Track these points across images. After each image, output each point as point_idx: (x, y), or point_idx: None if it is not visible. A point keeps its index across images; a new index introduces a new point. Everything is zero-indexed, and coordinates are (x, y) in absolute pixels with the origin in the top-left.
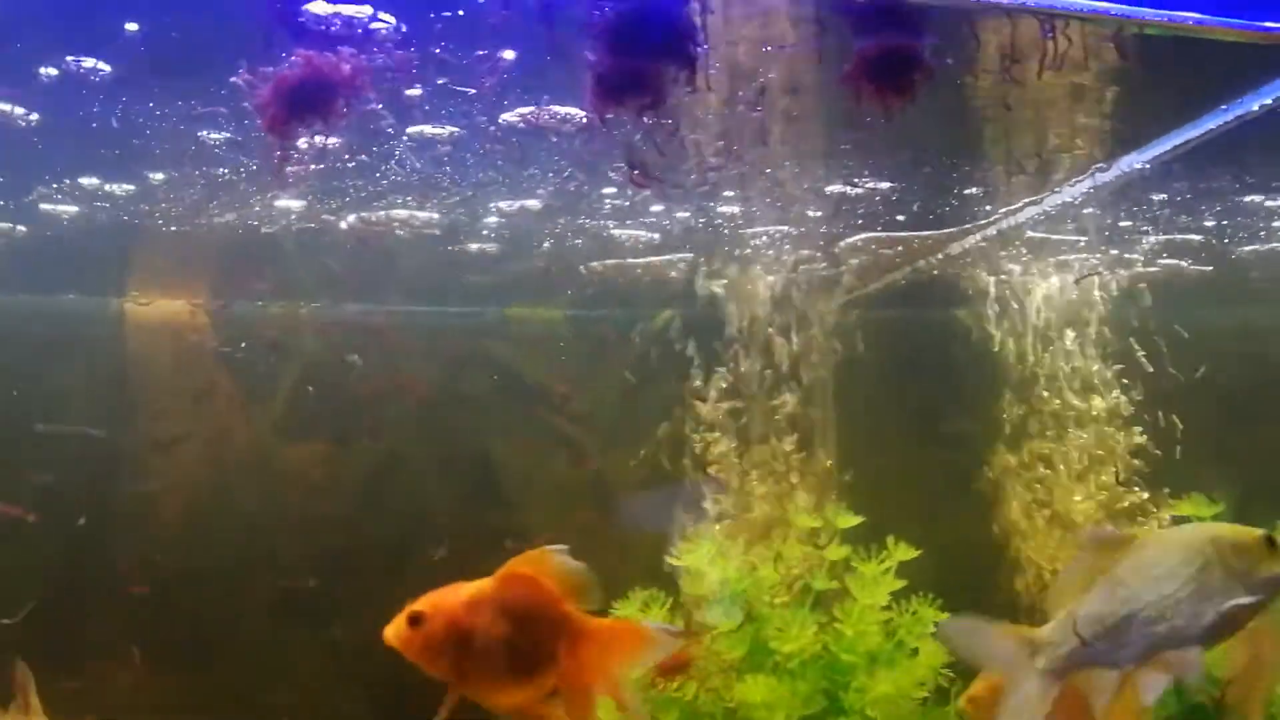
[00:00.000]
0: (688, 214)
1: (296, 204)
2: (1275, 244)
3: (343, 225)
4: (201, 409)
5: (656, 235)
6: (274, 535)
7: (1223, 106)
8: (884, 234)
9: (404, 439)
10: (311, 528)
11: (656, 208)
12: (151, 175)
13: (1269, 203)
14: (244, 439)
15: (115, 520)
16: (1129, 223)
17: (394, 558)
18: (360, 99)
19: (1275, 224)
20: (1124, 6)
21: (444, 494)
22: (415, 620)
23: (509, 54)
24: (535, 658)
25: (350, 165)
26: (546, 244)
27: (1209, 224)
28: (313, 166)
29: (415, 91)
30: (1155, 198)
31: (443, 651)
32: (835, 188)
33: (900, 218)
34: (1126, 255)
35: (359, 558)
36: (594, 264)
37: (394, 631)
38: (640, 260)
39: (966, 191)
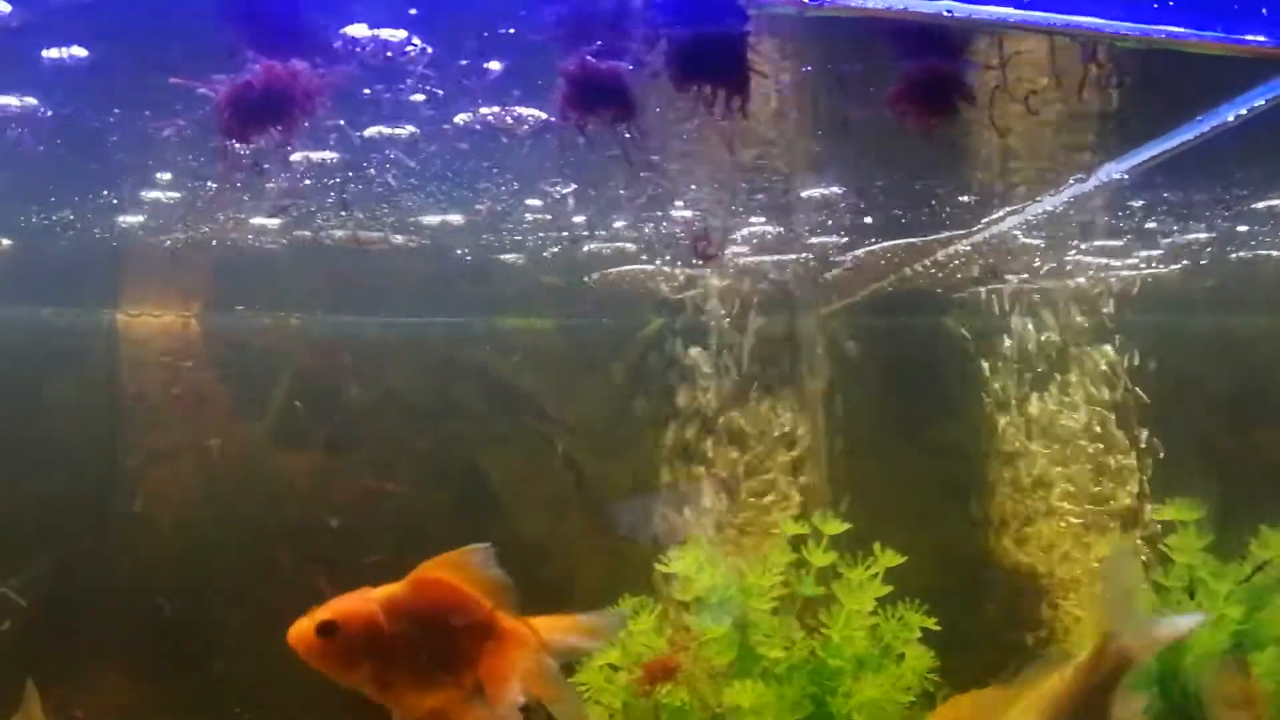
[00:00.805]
0: (668, 223)
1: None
2: (1255, 252)
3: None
4: (195, 420)
5: (635, 244)
6: (270, 544)
7: (1199, 118)
8: (872, 243)
9: (394, 449)
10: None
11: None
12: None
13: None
14: (237, 449)
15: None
16: (1112, 231)
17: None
18: (320, 108)
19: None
20: (1099, 20)
21: (435, 503)
22: (327, 630)
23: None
24: (455, 660)
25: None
26: (534, 251)
27: (1190, 234)
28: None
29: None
30: (1135, 205)
31: (360, 660)
32: (819, 193)
33: (887, 225)
34: (1113, 261)
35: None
36: (607, 273)
37: (302, 642)
38: (641, 268)
39: (958, 199)
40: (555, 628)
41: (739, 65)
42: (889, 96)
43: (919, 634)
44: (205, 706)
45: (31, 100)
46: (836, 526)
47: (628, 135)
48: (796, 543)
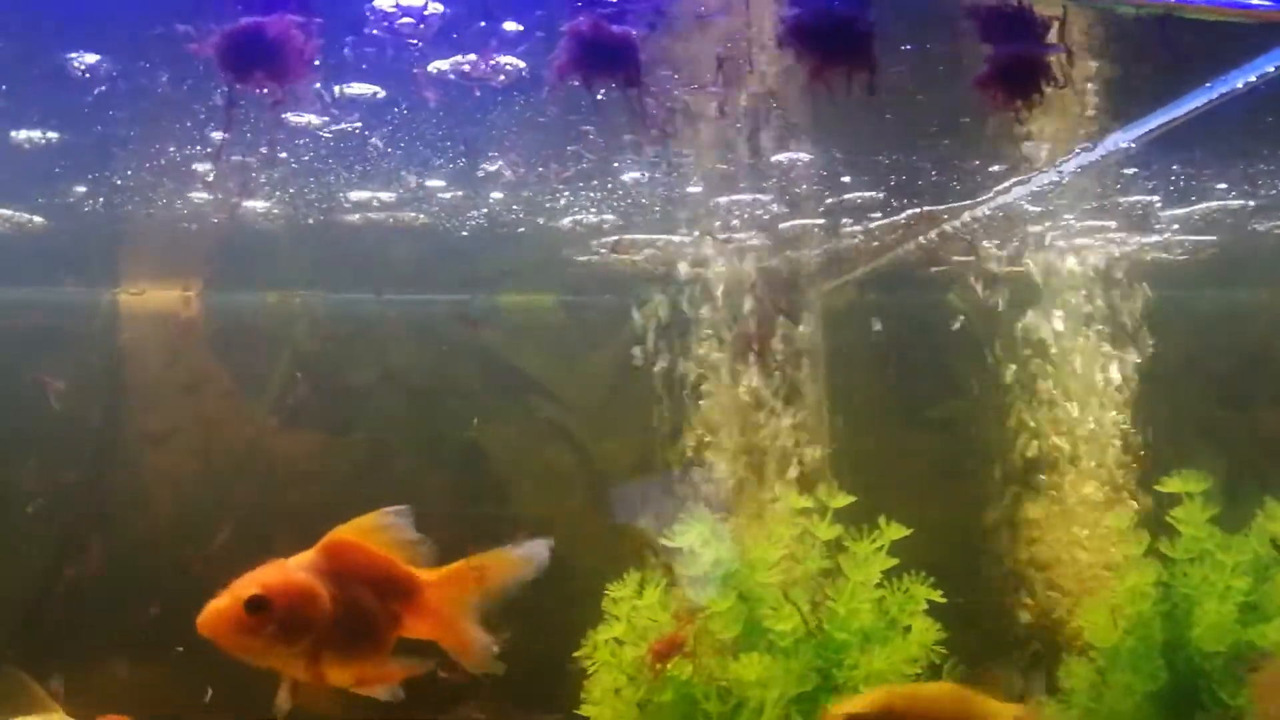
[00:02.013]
0: (673, 196)
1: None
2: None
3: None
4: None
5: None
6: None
7: (1206, 84)
8: (876, 218)
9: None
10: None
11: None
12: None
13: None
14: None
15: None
16: (1119, 202)
17: None
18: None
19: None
20: None
21: (434, 482)
22: (257, 605)
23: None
24: (376, 624)
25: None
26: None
27: (1197, 205)
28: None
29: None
30: (1143, 178)
31: (295, 636)
32: (825, 168)
33: (894, 202)
34: (1122, 236)
35: None
36: (614, 241)
37: (228, 621)
38: (651, 237)
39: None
40: (477, 570)
41: (867, 45)
42: (976, 80)
43: (925, 606)
44: (205, 687)
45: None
46: (842, 500)
47: (640, 101)
48: (801, 517)
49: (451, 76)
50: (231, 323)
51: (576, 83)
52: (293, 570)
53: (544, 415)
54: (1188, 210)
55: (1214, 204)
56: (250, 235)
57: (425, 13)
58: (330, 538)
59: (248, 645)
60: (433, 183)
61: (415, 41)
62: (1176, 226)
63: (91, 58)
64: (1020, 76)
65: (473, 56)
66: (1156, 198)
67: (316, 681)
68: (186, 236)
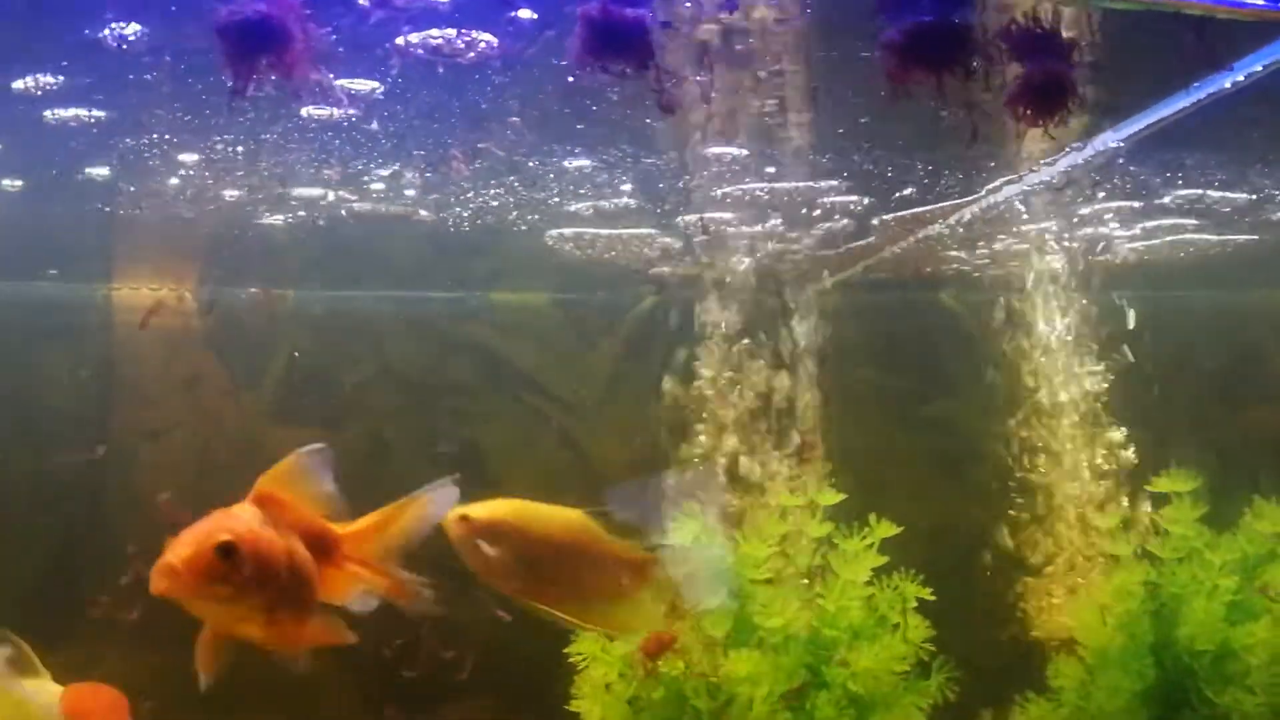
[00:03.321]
0: (664, 192)
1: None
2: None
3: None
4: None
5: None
6: None
7: (1196, 84)
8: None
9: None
10: None
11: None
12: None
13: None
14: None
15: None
16: (1109, 202)
17: None
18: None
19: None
20: None
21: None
22: (228, 551)
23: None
24: (311, 581)
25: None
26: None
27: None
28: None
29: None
30: (1135, 176)
31: (258, 587)
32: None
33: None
34: (1112, 233)
35: None
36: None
37: (197, 569)
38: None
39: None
40: (388, 520)
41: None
42: (1007, 97)
43: (914, 604)
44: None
45: None
46: (832, 498)
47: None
48: (793, 514)
49: (420, 52)
50: (225, 319)
51: (593, 69)
52: (248, 519)
53: (540, 412)
54: (1177, 211)
55: (1204, 203)
56: (241, 231)
57: None
58: (259, 489)
59: (215, 595)
60: (416, 175)
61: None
62: (1168, 225)
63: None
64: (1049, 95)
65: (451, 31)
66: (1141, 200)
67: (272, 641)
68: (182, 231)
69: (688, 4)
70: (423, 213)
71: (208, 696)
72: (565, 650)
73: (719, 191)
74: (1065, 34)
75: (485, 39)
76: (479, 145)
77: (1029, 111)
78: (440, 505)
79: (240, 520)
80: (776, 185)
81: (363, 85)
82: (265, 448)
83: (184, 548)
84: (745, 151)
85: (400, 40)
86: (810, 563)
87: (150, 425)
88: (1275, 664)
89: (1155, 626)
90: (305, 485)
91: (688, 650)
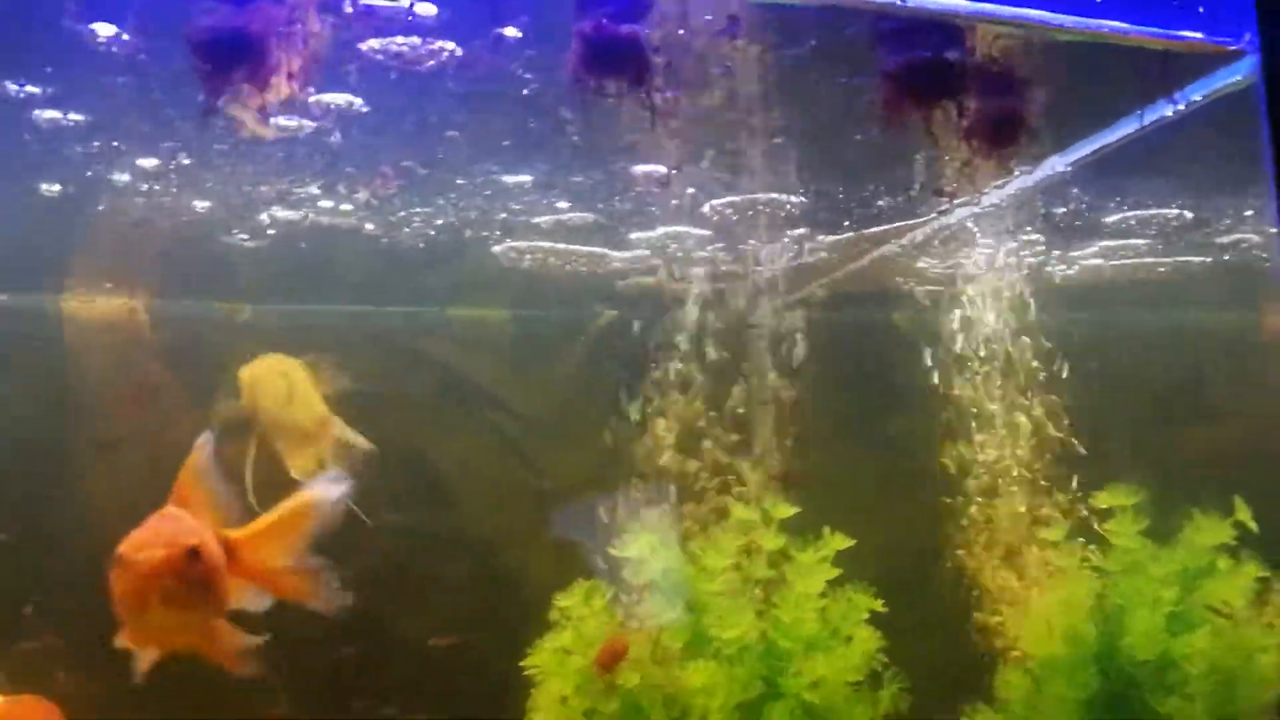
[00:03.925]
0: (626, 210)
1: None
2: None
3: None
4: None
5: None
6: None
7: (1136, 112)
8: (820, 236)
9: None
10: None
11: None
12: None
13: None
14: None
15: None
16: (1054, 225)
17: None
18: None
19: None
20: (1044, 13)
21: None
22: (195, 555)
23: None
24: (226, 587)
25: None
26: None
27: (1128, 229)
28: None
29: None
30: (1078, 201)
31: (203, 594)
32: (773, 192)
33: (842, 221)
34: (1055, 256)
35: None
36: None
37: (168, 569)
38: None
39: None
40: (282, 521)
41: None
42: (963, 131)
43: (867, 615)
44: (149, 697)
45: None
46: (786, 511)
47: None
48: (748, 527)
49: (379, 58)
50: (179, 333)
51: (589, 85)
52: (195, 523)
53: (495, 427)
54: (1119, 235)
55: (1148, 225)
56: (197, 244)
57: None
58: (181, 491)
59: (177, 599)
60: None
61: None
62: (1111, 249)
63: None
64: (1002, 130)
65: (416, 39)
66: (1086, 222)
67: (202, 646)
68: (135, 242)
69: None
70: (369, 226)
71: None
72: (521, 664)
73: (673, 206)
74: (1018, 70)
75: (448, 48)
76: (404, 164)
77: (984, 144)
78: (334, 496)
79: (193, 525)
80: (732, 201)
81: (335, 99)
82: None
83: (152, 550)
84: (702, 167)
85: (362, 46)
86: (765, 575)
87: (100, 437)
88: (1214, 673)
89: (1099, 637)
90: (211, 483)
91: (644, 662)
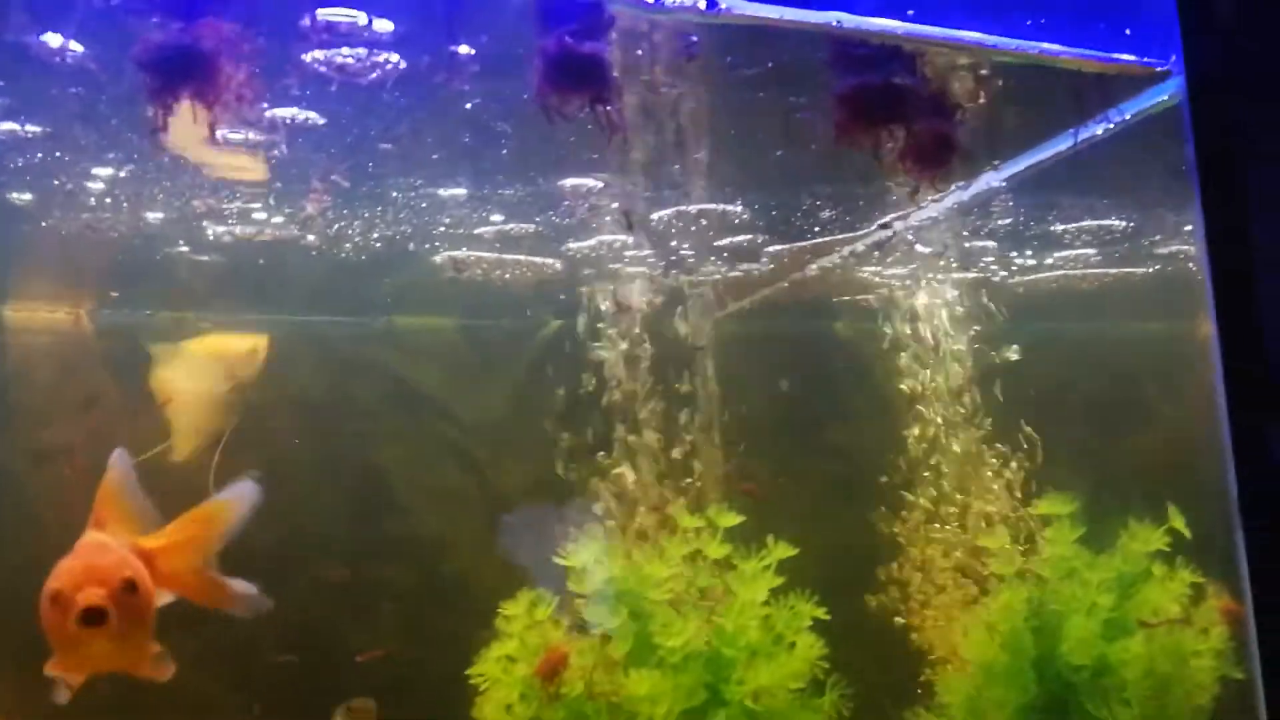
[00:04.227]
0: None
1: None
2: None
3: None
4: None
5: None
6: None
7: (1070, 130)
8: (763, 247)
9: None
10: None
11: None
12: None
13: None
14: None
15: None
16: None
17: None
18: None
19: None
20: (980, 35)
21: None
22: (131, 588)
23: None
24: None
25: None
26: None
27: (1067, 242)
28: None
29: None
30: (1014, 215)
31: (136, 624)
32: (712, 202)
33: (775, 233)
34: (996, 266)
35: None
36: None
37: (108, 600)
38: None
39: (840, 205)
40: (195, 528)
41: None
42: (897, 154)
43: (810, 623)
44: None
45: None
46: (731, 519)
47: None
48: (693, 536)
49: (323, 69)
50: (124, 343)
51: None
52: (124, 550)
53: (442, 436)
54: (1057, 246)
55: (1083, 237)
56: (142, 254)
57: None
58: (100, 514)
59: (115, 632)
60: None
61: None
62: (1048, 260)
63: None
64: (934, 153)
65: (363, 51)
66: (1022, 233)
67: (129, 666)
68: (82, 253)
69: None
70: (310, 237)
71: None
72: (467, 672)
73: (617, 216)
74: (952, 92)
75: (391, 59)
76: (335, 177)
77: (915, 167)
78: (244, 503)
79: (122, 554)
80: (674, 211)
81: (283, 112)
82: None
83: (90, 589)
84: (642, 177)
85: (306, 57)
86: (709, 583)
87: (41, 447)
88: (1148, 678)
89: (1037, 643)
90: (130, 500)
91: (588, 670)
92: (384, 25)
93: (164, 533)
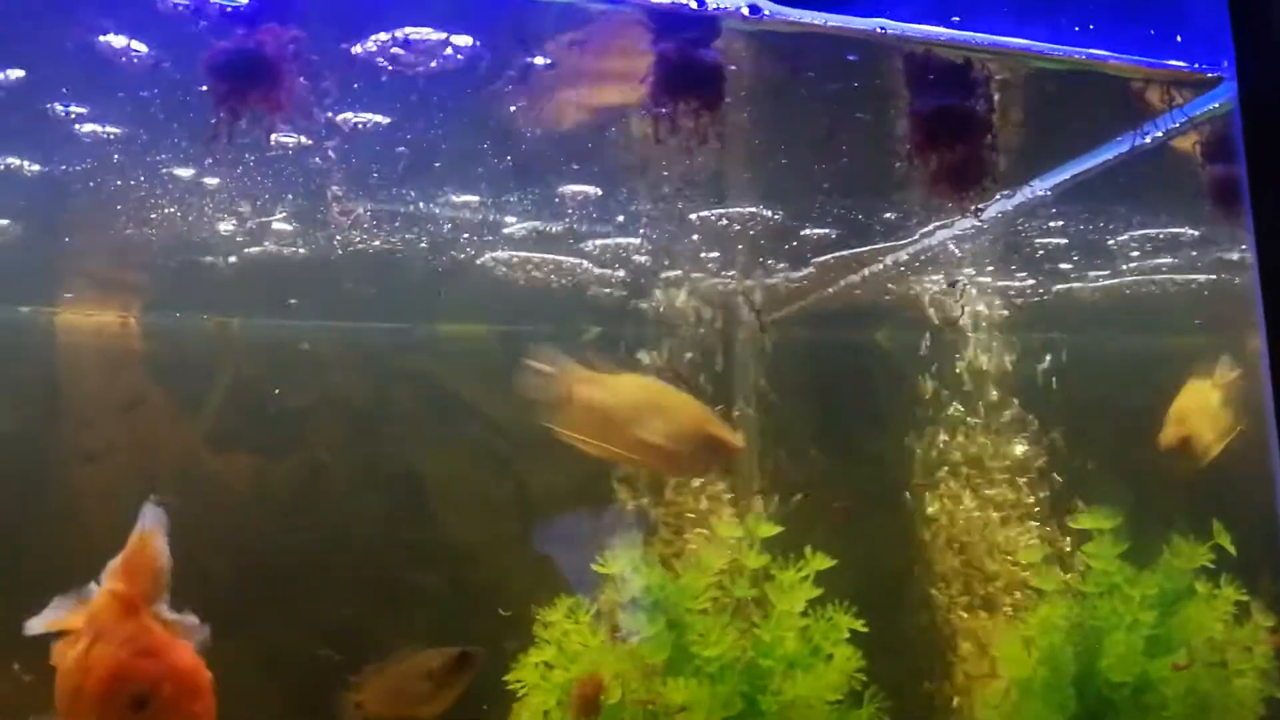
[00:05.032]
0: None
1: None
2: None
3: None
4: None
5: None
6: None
7: (1118, 139)
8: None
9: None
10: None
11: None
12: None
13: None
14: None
15: None
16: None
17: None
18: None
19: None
20: (1025, 41)
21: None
22: (141, 702)
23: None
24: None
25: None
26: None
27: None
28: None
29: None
30: (1057, 225)
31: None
32: (757, 209)
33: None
34: (1036, 279)
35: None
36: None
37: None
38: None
39: (886, 216)
40: (136, 566)
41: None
42: (929, 177)
43: (847, 635)
44: None
45: None
46: (769, 529)
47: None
48: (732, 545)
49: (381, 61)
50: (168, 346)
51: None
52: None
53: (480, 442)
54: (1100, 259)
55: (1129, 248)
56: (188, 257)
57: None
58: (119, 592)
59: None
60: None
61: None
62: (1090, 274)
63: None
64: (965, 175)
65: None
66: (1065, 243)
67: None
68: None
69: None
70: (358, 241)
71: None
72: (504, 679)
73: (659, 223)
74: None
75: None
76: (392, 177)
77: (947, 191)
78: (155, 531)
79: (168, 640)
80: (722, 215)
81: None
82: (205, 474)
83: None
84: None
85: (357, 48)
86: (747, 594)
87: (88, 448)
88: (1190, 696)
89: (1077, 659)
90: (153, 564)
91: (626, 678)
92: (462, 40)
93: (119, 571)
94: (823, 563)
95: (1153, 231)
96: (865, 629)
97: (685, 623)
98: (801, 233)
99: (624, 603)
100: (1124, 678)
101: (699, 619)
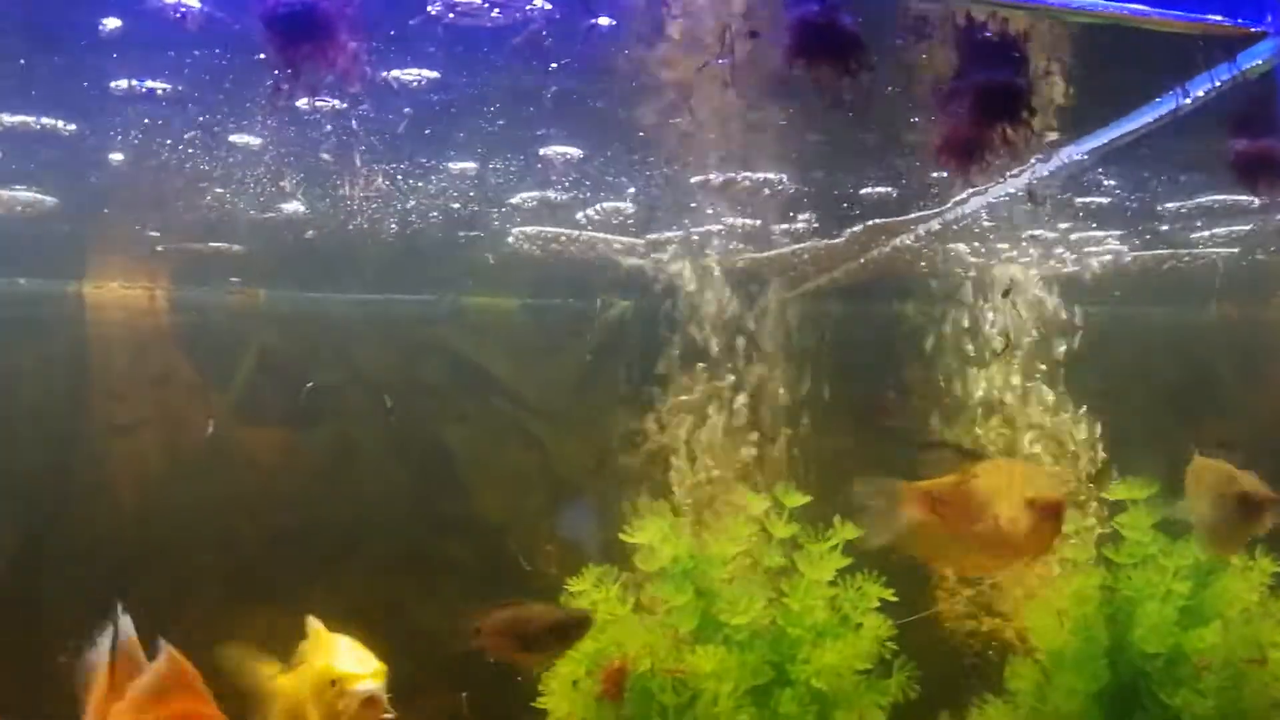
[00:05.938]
0: (642, 201)
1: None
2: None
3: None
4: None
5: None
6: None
7: (1158, 99)
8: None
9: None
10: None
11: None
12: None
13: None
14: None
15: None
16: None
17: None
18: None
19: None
20: None
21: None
22: None
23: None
24: None
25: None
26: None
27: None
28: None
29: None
30: (1093, 193)
31: None
32: (786, 178)
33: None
34: (1072, 250)
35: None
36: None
37: None
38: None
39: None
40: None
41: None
42: (935, 147)
43: (876, 604)
44: None
45: None
46: (797, 499)
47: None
48: (759, 515)
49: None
50: (197, 319)
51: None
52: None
53: (508, 415)
54: (1138, 229)
55: (1161, 218)
56: (215, 231)
57: None
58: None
59: None
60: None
61: None
62: (1127, 245)
63: None
64: (968, 149)
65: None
66: (1103, 211)
67: None
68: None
69: None
70: (381, 214)
71: None
72: None
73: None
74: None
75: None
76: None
77: (954, 163)
78: (127, 642)
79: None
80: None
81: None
82: (233, 446)
83: None
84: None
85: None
86: (776, 563)
87: (118, 421)
88: (1226, 667)
89: (1110, 630)
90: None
91: (655, 646)
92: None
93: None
94: (850, 532)
95: (1194, 201)
96: (895, 598)
97: (714, 591)
98: (831, 202)
99: (651, 572)
100: (1158, 649)
101: (727, 587)
